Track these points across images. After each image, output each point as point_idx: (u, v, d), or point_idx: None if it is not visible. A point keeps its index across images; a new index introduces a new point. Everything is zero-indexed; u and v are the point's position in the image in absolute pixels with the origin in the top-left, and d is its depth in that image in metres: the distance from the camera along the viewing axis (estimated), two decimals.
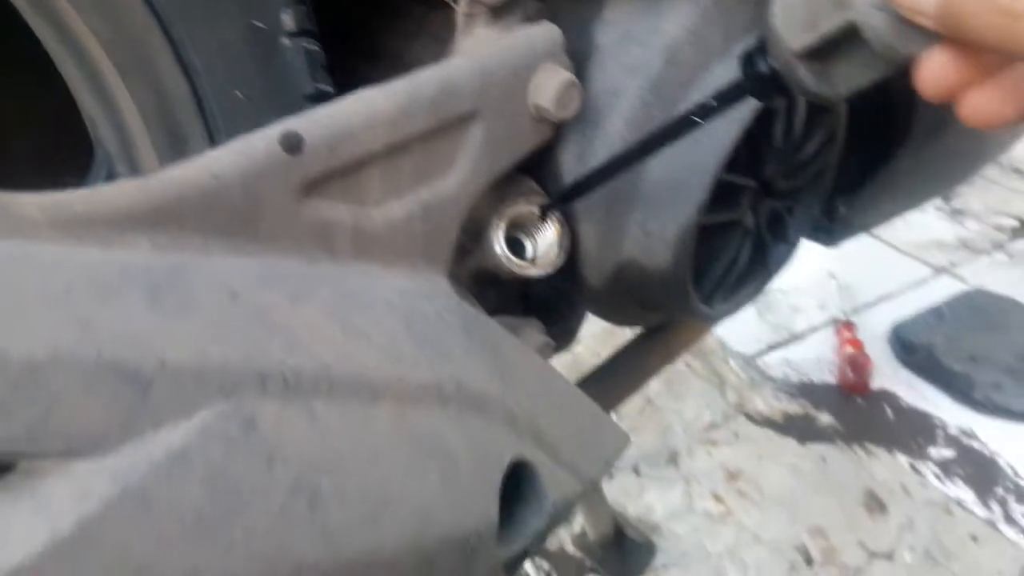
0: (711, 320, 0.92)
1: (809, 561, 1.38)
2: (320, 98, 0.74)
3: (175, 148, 0.70)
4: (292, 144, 0.49)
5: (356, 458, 0.36)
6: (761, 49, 0.50)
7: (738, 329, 1.90)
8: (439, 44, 0.82)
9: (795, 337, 1.97)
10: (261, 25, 0.66)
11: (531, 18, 0.71)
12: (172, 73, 0.66)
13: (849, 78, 0.45)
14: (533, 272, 0.69)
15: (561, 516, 0.53)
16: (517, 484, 0.47)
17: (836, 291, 2.12)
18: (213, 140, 0.70)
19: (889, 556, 1.41)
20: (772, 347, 1.93)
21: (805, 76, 0.46)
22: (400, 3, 0.88)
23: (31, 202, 0.39)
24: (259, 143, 0.48)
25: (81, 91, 0.72)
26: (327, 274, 0.46)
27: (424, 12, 0.86)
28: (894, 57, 0.39)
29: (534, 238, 0.72)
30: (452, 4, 0.75)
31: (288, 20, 0.68)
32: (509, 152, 0.68)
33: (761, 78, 0.50)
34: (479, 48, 0.69)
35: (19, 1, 0.68)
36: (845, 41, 0.42)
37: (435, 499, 0.40)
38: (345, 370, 0.37)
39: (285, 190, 0.50)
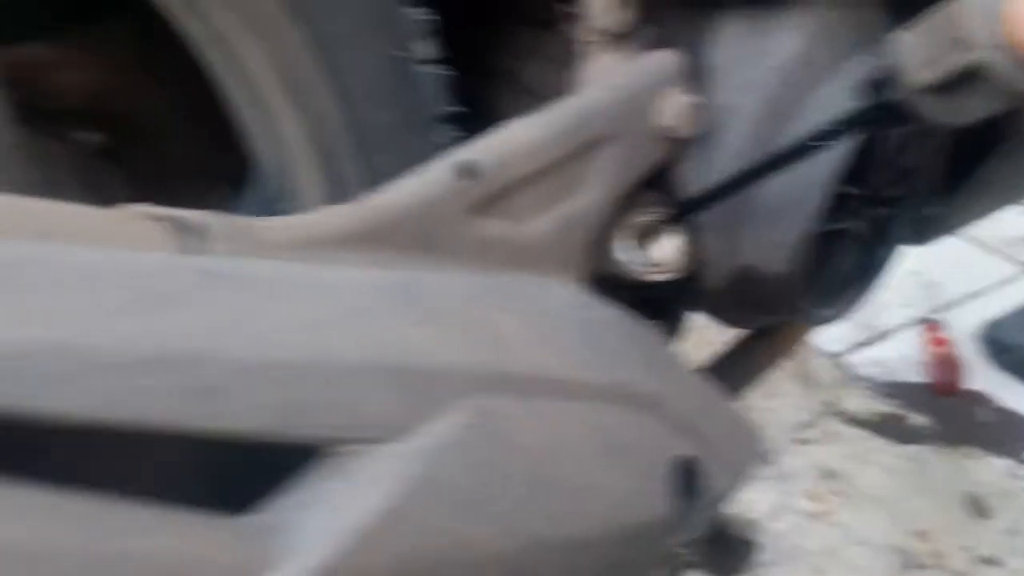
0: (821, 323, 0.96)
1: (914, 564, 1.39)
2: (451, 119, 0.82)
3: (328, 165, 0.78)
4: (468, 170, 0.56)
5: (561, 451, 0.42)
6: (883, 81, 0.53)
7: (824, 328, 1.91)
8: (554, 65, 0.88)
9: (881, 336, 1.97)
10: (400, 54, 0.73)
11: (649, 43, 0.77)
12: (328, 96, 0.74)
13: (972, 109, 0.48)
14: (658, 277, 0.75)
15: (713, 512, 0.58)
16: (680, 478, 0.53)
17: (921, 289, 2.11)
18: (361, 159, 0.78)
19: (996, 562, 1.40)
20: (859, 346, 1.93)
21: (929, 108, 0.49)
22: (512, 25, 0.95)
23: (271, 226, 0.46)
24: (442, 171, 0.55)
25: (242, 109, 0.81)
26: (507, 285, 0.53)
27: (537, 34, 0.93)
28: (1017, 92, 0.42)
29: (657, 246, 0.77)
30: (566, 29, 0.81)
31: (421, 50, 0.75)
32: (636, 169, 0.74)
33: (884, 108, 0.54)
34: (604, 75, 0.76)
35: (188, 30, 0.76)
36: (968, 77, 0.45)
37: (617, 491, 0.46)
38: (549, 372, 0.44)
39: (460, 211, 0.57)
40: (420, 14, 0.73)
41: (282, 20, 0.70)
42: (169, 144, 1.06)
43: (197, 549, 0.30)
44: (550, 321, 0.49)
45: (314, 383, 0.34)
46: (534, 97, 0.94)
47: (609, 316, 0.57)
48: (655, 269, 0.75)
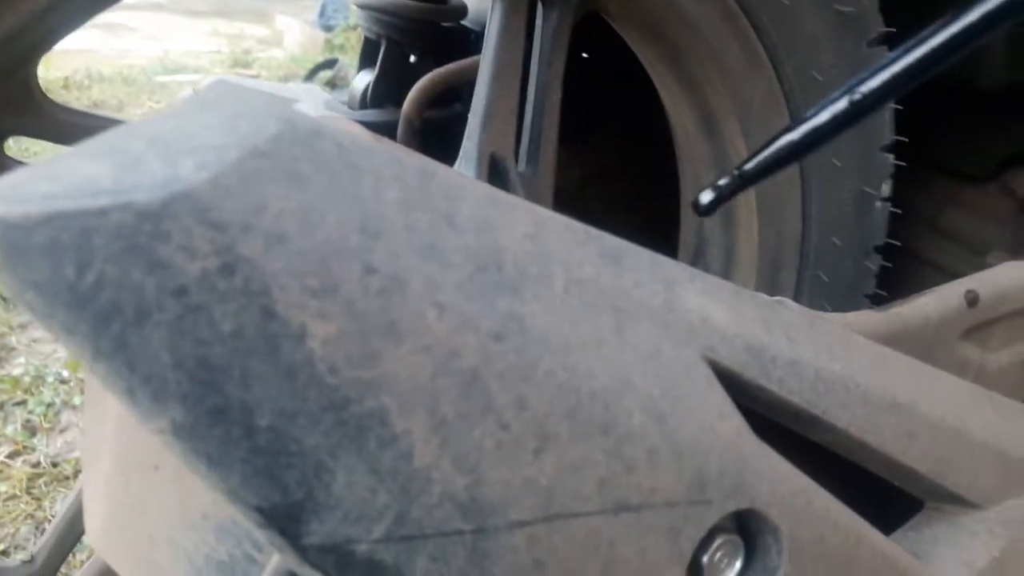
0: None
1: None
2: (883, 251, 0.93)
3: (768, 272, 0.92)
4: (972, 300, 0.66)
5: None
6: None
7: None
8: (976, 214, 0.97)
9: None
10: (869, 191, 0.86)
11: None
12: (794, 217, 0.88)
13: None
14: None
15: None
16: None
17: None
18: (799, 272, 0.91)
19: None
20: None
21: None
22: (932, 172, 1.05)
23: (829, 318, 0.59)
24: (952, 296, 0.66)
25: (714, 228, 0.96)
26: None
27: (959, 184, 1.02)
28: None
29: None
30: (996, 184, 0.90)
31: (886, 188, 0.87)
32: None
33: None
34: None
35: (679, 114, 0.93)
36: None
37: None
38: None
39: (956, 333, 0.67)
40: (891, 159, 0.86)
41: None
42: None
43: (895, 553, 0.42)
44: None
45: (959, 448, 0.45)
46: (946, 241, 1.03)
47: None
48: None
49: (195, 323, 0.27)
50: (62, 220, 0.26)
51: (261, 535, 0.31)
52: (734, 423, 0.36)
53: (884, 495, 0.48)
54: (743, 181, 0.52)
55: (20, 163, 0.85)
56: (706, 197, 0.53)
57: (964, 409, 0.47)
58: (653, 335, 0.34)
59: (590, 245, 0.34)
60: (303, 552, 0.31)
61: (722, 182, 0.52)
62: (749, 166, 0.50)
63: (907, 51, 0.45)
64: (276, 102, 0.32)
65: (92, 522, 0.46)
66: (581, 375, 0.32)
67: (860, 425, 0.41)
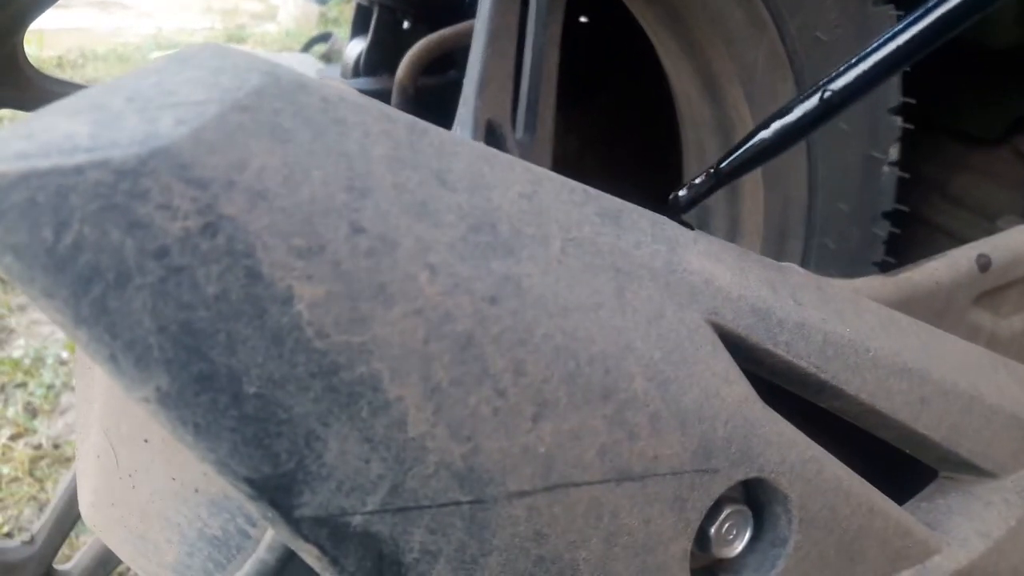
0: None
1: None
2: (891, 217, 0.91)
3: (775, 240, 0.90)
4: (983, 264, 0.65)
5: None
6: None
7: None
8: (987, 178, 0.95)
9: None
10: (876, 155, 0.84)
11: None
12: (800, 184, 0.86)
13: None
14: None
15: None
16: None
17: None
18: (805, 240, 0.89)
19: None
20: None
21: None
22: (941, 137, 1.03)
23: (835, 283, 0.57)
24: (962, 260, 0.64)
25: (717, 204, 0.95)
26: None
27: (967, 149, 1.00)
28: None
29: None
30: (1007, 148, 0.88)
31: (894, 152, 0.86)
32: None
33: None
34: None
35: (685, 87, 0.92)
36: None
37: None
38: None
39: (967, 298, 0.65)
40: (899, 122, 0.84)
41: None
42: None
43: (909, 523, 0.41)
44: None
45: (974, 415, 0.44)
46: (956, 206, 1.01)
47: None
48: None
49: (178, 286, 0.26)
50: (37, 179, 0.25)
51: (253, 508, 0.30)
52: (740, 388, 0.35)
53: (897, 464, 0.46)
54: (719, 180, 0.52)
55: None
56: (683, 195, 0.53)
57: (977, 374, 0.46)
58: (655, 297, 0.33)
59: (588, 205, 0.33)
60: (296, 525, 0.30)
61: (698, 180, 0.52)
62: (724, 165, 0.50)
63: (882, 43, 0.44)
64: (259, 58, 0.30)
65: (84, 498, 0.45)
66: (580, 339, 0.31)
67: (870, 390, 0.40)
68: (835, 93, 0.47)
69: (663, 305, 0.33)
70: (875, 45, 0.46)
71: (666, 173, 1.01)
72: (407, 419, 0.29)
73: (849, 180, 0.85)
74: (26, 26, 0.74)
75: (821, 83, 0.47)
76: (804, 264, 0.90)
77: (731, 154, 0.50)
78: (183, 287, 0.26)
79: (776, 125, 0.49)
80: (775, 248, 0.88)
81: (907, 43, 0.45)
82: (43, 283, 0.26)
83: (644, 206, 0.36)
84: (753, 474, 0.36)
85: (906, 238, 0.91)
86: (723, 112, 0.85)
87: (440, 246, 0.29)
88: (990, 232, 0.70)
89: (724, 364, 0.35)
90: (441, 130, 0.32)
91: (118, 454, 0.40)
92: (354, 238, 0.27)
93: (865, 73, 0.46)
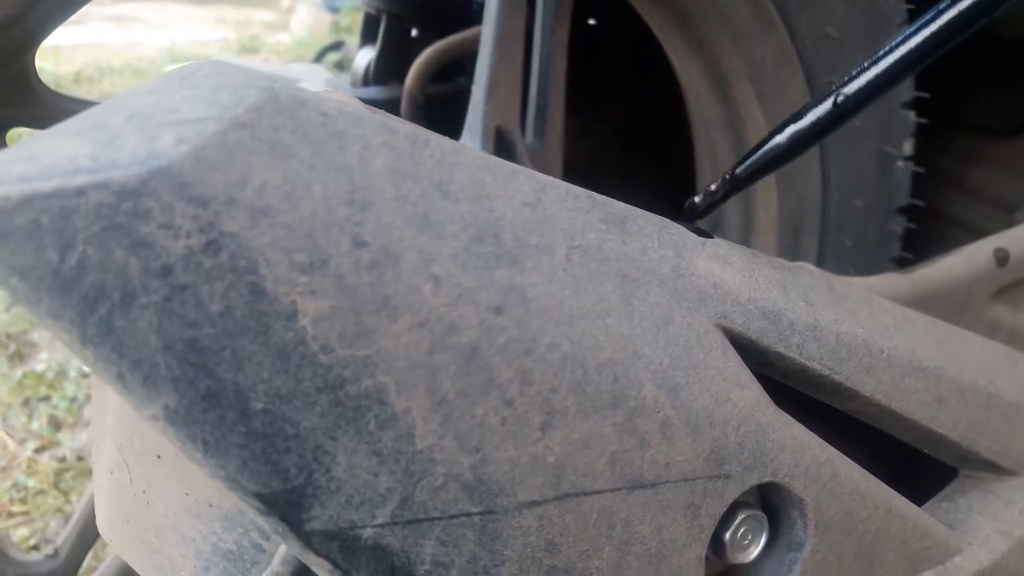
0: None
1: None
2: (907, 212, 0.90)
3: (789, 236, 0.89)
4: (1002, 258, 0.64)
5: None
6: None
7: None
8: (1004, 170, 0.94)
9: None
10: (890, 150, 0.83)
11: None
12: (813, 181, 0.85)
13: None
14: None
15: None
16: None
17: None
18: (821, 236, 0.88)
19: None
20: None
21: None
22: (955, 129, 1.02)
23: (850, 281, 0.57)
24: (980, 255, 0.63)
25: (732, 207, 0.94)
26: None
27: (982, 140, 0.99)
28: None
29: None
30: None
31: (908, 147, 0.85)
32: None
33: None
34: None
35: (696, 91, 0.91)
36: None
37: None
38: None
39: (986, 293, 0.64)
40: (913, 116, 0.83)
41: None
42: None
43: (928, 524, 0.40)
44: None
45: (992, 412, 0.43)
46: (972, 199, 1.00)
47: None
48: None
49: (182, 304, 0.26)
50: (41, 201, 0.25)
51: (264, 523, 0.30)
52: (752, 392, 0.35)
53: (914, 464, 0.46)
54: (734, 185, 0.52)
55: None
56: (698, 201, 0.54)
57: (996, 372, 0.45)
58: (662, 303, 0.32)
59: (593, 211, 0.32)
60: (307, 539, 0.30)
61: (713, 187, 0.52)
62: (739, 170, 0.50)
63: (895, 46, 0.44)
64: (258, 74, 0.30)
65: (101, 514, 0.45)
66: (587, 347, 0.30)
67: (886, 391, 0.39)
68: (849, 97, 0.47)
69: (671, 310, 0.32)
70: (888, 48, 0.45)
71: (681, 175, 1.01)
72: (415, 431, 0.29)
73: (863, 176, 0.84)
74: (37, 45, 0.75)
75: (835, 88, 0.47)
76: (820, 262, 0.89)
77: (746, 159, 0.50)
78: (188, 305, 0.26)
79: (790, 130, 0.49)
80: (789, 246, 0.88)
81: (920, 45, 0.45)
82: (49, 304, 0.26)
83: (660, 209, 0.36)
84: (767, 478, 0.35)
85: (923, 233, 0.90)
86: (733, 110, 0.84)
87: (443, 257, 0.29)
88: (1008, 225, 0.69)
89: (735, 368, 0.34)
90: (443, 140, 0.32)
91: (132, 470, 0.40)
92: (356, 252, 0.27)
93: (878, 76, 0.46)
